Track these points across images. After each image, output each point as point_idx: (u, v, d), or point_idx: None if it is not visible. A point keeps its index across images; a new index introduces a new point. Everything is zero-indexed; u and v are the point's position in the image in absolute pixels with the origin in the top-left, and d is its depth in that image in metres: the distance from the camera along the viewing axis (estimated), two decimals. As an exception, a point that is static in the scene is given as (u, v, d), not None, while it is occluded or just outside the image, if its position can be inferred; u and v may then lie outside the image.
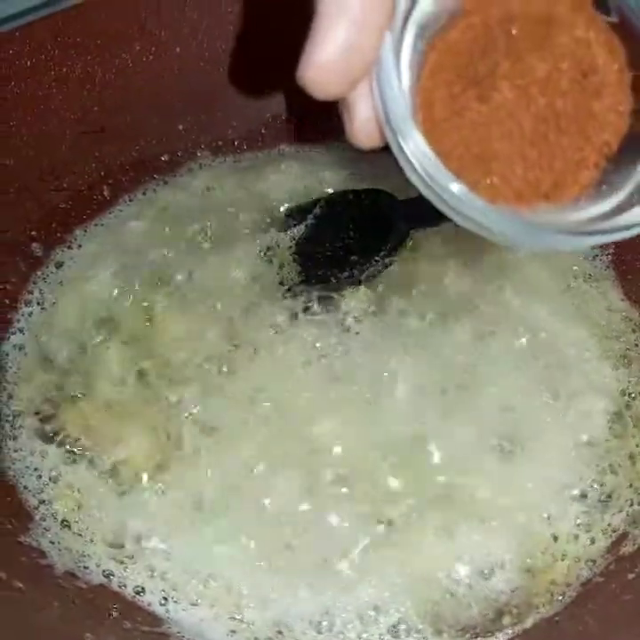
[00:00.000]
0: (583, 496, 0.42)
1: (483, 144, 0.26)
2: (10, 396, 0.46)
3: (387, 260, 0.50)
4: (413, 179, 0.25)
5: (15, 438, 0.45)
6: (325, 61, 0.22)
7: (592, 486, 0.43)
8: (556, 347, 0.47)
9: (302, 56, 0.23)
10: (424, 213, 0.50)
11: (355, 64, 0.23)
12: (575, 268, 0.52)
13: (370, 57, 0.23)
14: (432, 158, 0.24)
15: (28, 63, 0.49)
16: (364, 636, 0.39)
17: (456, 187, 0.24)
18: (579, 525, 0.42)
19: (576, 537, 0.41)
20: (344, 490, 0.42)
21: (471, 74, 0.26)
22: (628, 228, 0.26)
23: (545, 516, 0.42)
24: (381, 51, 0.24)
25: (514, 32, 0.25)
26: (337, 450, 0.43)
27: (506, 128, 0.26)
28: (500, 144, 0.26)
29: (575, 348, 0.48)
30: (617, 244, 0.51)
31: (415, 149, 0.24)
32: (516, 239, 0.26)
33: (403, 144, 0.24)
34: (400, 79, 0.24)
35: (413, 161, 0.25)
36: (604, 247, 0.52)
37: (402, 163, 0.25)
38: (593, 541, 0.41)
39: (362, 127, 0.25)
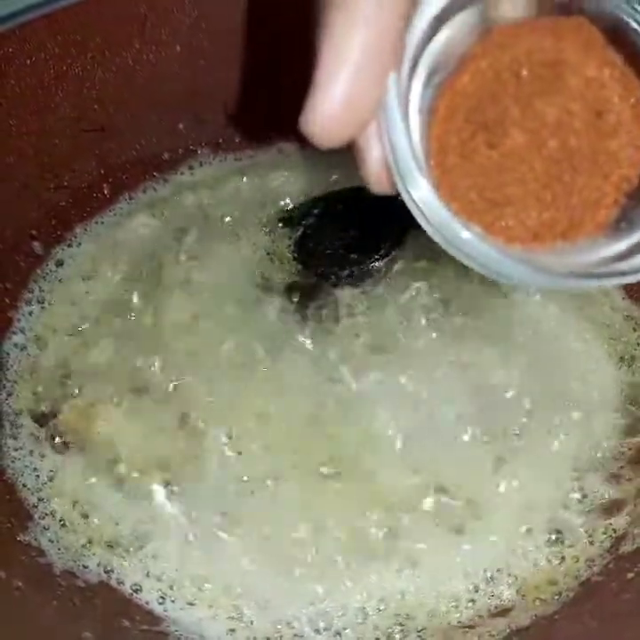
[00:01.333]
0: (584, 496, 0.42)
1: (495, 189, 0.26)
2: (9, 395, 0.46)
3: (387, 259, 0.50)
4: (425, 227, 0.25)
5: (15, 437, 0.45)
6: (326, 115, 0.22)
7: (593, 486, 0.43)
8: (559, 346, 0.47)
9: (304, 107, 0.22)
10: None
11: (357, 114, 0.22)
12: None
13: (373, 106, 0.23)
14: (440, 207, 0.24)
15: (28, 61, 0.48)
16: (363, 635, 0.39)
17: (466, 234, 0.24)
18: (578, 524, 0.42)
19: (575, 536, 0.41)
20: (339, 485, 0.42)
21: (481, 119, 0.25)
22: None
23: (544, 515, 0.42)
24: (387, 98, 0.23)
25: (523, 76, 0.25)
26: (335, 452, 0.43)
27: (518, 172, 0.25)
28: (512, 188, 0.26)
29: (579, 348, 0.47)
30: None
31: (424, 197, 0.24)
32: (529, 283, 0.25)
33: (411, 192, 0.24)
34: (408, 127, 0.24)
35: (423, 209, 0.24)
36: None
37: (412, 211, 0.25)
38: (592, 541, 0.41)
39: (374, 171, 0.25)
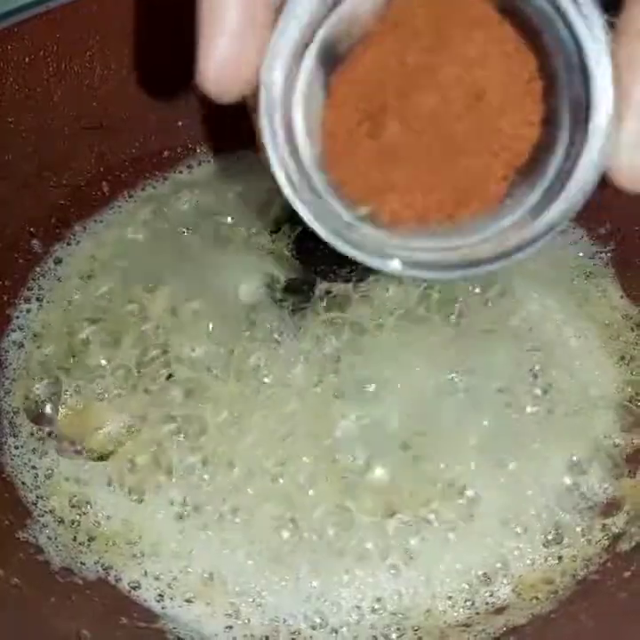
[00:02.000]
0: (582, 495, 0.42)
1: (379, 176, 0.26)
2: (7, 393, 0.46)
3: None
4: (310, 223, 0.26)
5: (14, 435, 0.45)
6: (210, 77, 0.24)
7: (591, 484, 0.43)
8: (558, 344, 0.47)
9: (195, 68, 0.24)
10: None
11: (237, 75, 0.24)
12: (576, 265, 0.52)
13: (252, 68, 0.24)
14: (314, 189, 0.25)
15: (27, 59, 0.49)
16: (360, 633, 0.39)
17: (348, 217, 0.25)
18: (575, 523, 0.42)
19: (572, 535, 0.41)
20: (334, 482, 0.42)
21: (367, 108, 0.25)
22: (521, 247, 0.26)
23: (542, 513, 0.42)
24: (270, 85, 0.24)
25: (407, 63, 0.25)
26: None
27: (400, 160, 0.25)
28: (396, 174, 0.26)
29: (578, 347, 0.47)
30: (617, 241, 0.51)
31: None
32: (403, 274, 0.26)
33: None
34: (289, 106, 0.25)
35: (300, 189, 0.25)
36: (603, 244, 0.52)
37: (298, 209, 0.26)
38: (589, 540, 0.41)
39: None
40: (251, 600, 0.39)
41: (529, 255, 0.26)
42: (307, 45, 0.24)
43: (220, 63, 0.24)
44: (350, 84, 0.25)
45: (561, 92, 0.24)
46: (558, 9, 0.23)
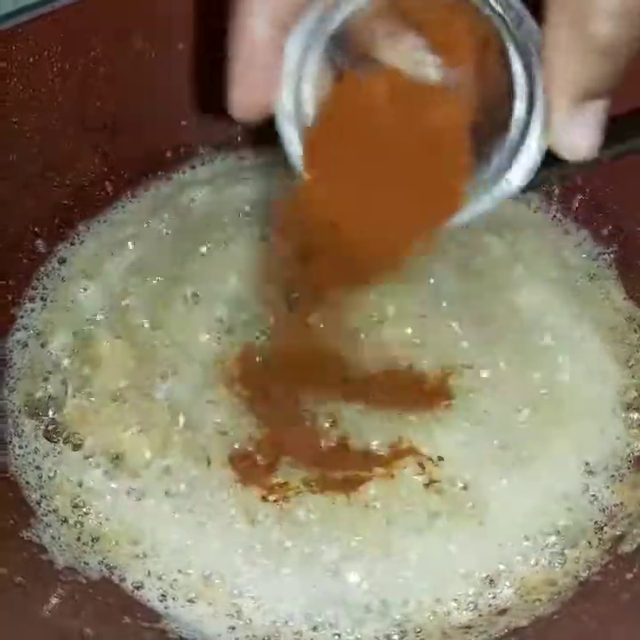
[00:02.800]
0: (584, 496, 0.42)
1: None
2: (12, 391, 0.47)
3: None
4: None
5: (19, 435, 0.45)
6: (237, 107, 0.28)
7: (593, 486, 0.43)
8: (562, 347, 0.47)
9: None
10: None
11: (262, 102, 0.28)
12: (580, 266, 0.52)
13: (271, 95, 0.29)
14: None
15: (31, 59, 0.49)
16: (362, 634, 0.39)
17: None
18: (578, 525, 0.42)
19: (575, 537, 0.41)
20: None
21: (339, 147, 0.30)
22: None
23: (545, 516, 0.42)
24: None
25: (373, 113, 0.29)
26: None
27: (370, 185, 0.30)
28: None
29: (582, 351, 0.47)
30: (619, 242, 0.51)
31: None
32: None
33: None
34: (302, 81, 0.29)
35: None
36: (605, 245, 0.52)
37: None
38: (592, 541, 0.41)
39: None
40: (253, 601, 0.40)
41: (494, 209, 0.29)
42: (321, 31, 0.29)
43: (251, 94, 0.28)
44: (328, 119, 0.30)
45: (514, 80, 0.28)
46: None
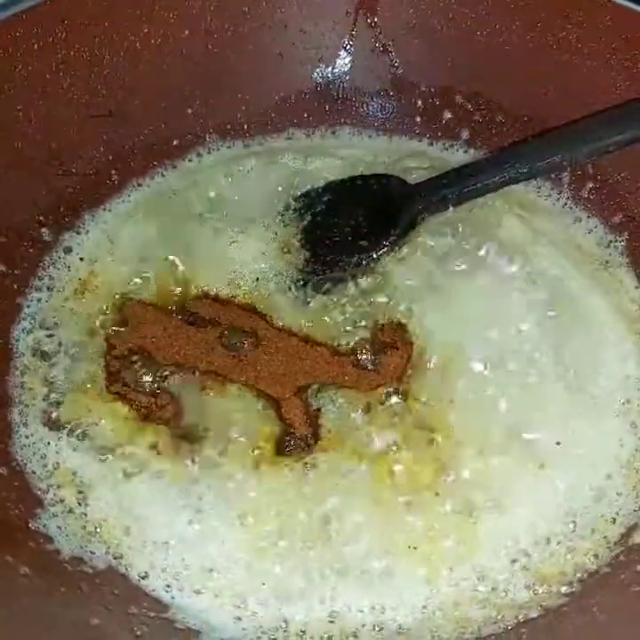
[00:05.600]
0: (598, 489, 0.42)
1: None
2: (19, 381, 0.46)
3: (396, 245, 0.49)
4: None
5: (25, 424, 0.45)
6: None
7: (607, 479, 0.42)
8: (578, 338, 0.47)
9: None
10: (435, 198, 0.50)
11: None
12: (594, 254, 0.51)
13: None
14: None
15: (36, 46, 0.48)
16: (363, 627, 0.39)
17: None
18: (590, 517, 0.41)
19: (586, 529, 0.41)
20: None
21: None
22: None
23: (559, 510, 0.41)
24: None
25: None
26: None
27: None
28: None
29: (598, 340, 0.47)
30: (631, 230, 0.51)
31: None
32: None
33: None
34: None
35: None
36: (617, 233, 0.51)
37: None
38: (603, 534, 0.41)
39: None
40: (259, 594, 0.39)
41: None
42: None
43: None
44: None
45: None
46: None
